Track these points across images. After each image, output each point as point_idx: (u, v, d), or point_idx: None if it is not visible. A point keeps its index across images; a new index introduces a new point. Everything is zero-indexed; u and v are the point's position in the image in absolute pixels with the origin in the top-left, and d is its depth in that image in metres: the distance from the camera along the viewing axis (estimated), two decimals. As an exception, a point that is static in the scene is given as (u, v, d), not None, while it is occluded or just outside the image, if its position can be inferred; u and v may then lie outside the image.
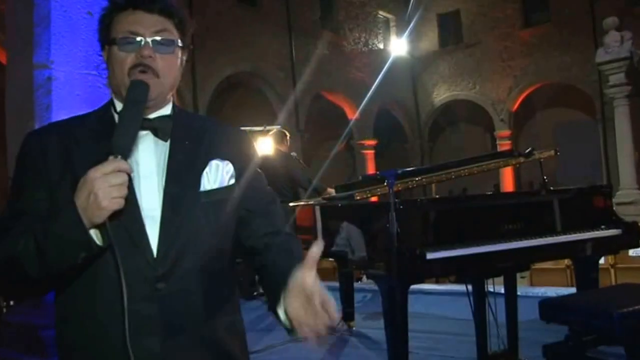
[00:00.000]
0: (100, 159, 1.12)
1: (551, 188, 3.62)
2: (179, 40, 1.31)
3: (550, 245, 3.22)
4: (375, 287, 3.29)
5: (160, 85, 1.27)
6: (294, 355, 4.23)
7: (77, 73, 3.53)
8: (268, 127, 8.18)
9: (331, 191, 5.56)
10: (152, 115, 1.30)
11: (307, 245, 4.15)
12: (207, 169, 1.30)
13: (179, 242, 1.23)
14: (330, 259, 6.65)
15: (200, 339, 1.25)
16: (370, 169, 18.27)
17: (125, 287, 1.11)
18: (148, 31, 1.26)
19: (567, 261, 6.97)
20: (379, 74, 16.68)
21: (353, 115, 17.83)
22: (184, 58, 1.36)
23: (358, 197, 3.56)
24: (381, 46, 19.87)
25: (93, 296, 1.21)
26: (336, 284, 5.21)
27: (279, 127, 8.29)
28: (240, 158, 1.36)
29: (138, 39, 1.25)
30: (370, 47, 19.31)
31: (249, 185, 1.36)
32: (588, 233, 3.37)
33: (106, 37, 1.30)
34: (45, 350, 3.25)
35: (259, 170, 1.43)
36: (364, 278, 7.41)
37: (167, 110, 1.34)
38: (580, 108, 18.35)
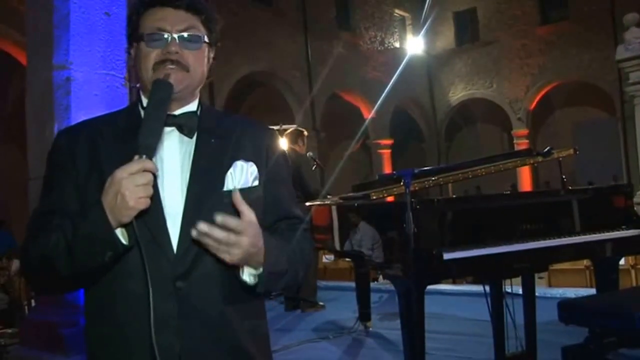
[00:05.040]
0: (127, 158, 1.13)
1: (570, 187, 3.58)
2: (206, 37, 1.32)
3: (569, 245, 3.18)
4: (392, 288, 3.28)
5: (187, 78, 1.28)
6: (310, 355, 4.23)
7: (95, 73, 3.57)
8: (284, 126, 8.19)
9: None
10: (178, 112, 1.30)
11: (324, 244, 4.12)
12: (231, 170, 1.29)
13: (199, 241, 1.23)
14: (347, 259, 6.65)
15: (220, 341, 1.25)
16: (387, 169, 18.21)
17: (151, 285, 1.13)
18: (175, 28, 1.28)
19: (586, 262, 6.89)
20: (395, 72, 16.61)
21: (369, 114, 17.79)
22: (211, 55, 1.37)
23: (374, 197, 3.56)
24: (397, 45, 19.80)
25: (115, 294, 1.23)
26: (352, 284, 5.20)
27: (295, 126, 8.30)
28: (265, 157, 1.36)
29: (165, 35, 1.27)
30: (386, 46, 19.24)
31: (270, 187, 1.36)
32: (608, 233, 3.32)
33: (134, 34, 1.31)
34: (66, 348, 3.29)
35: (284, 169, 1.43)
36: (381, 278, 7.39)
37: (193, 106, 1.34)
38: (599, 106, 18.11)
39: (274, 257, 1.22)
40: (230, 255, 1.15)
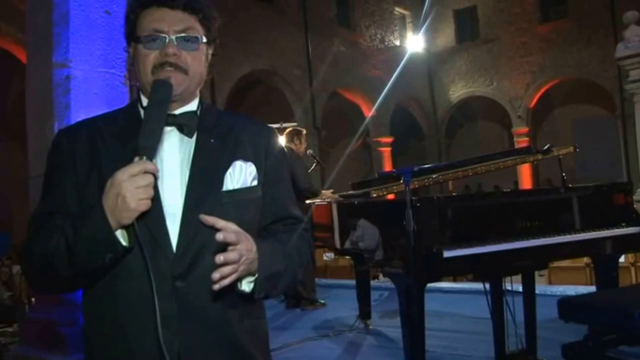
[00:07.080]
0: (126, 158, 1.13)
1: (570, 185, 3.58)
2: (204, 36, 1.31)
3: (569, 243, 3.18)
4: (392, 285, 3.28)
5: (186, 81, 1.28)
6: (310, 353, 4.23)
7: (95, 72, 3.55)
8: (285, 125, 8.19)
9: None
10: (178, 111, 1.30)
11: (324, 242, 4.12)
12: (230, 170, 1.29)
13: (198, 241, 1.23)
14: (347, 257, 6.65)
15: (219, 340, 1.25)
16: (387, 166, 18.19)
17: (155, 286, 1.12)
18: (172, 28, 1.26)
19: (586, 259, 6.89)
20: (395, 70, 16.58)
21: (369, 112, 17.77)
22: (210, 52, 1.36)
23: (374, 195, 3.56)
24: (397, 43, 19.77)
25: (115, 294, 1.23)
26: (353, 282, 5.20)
27: (295, 124, 8.29)
28: (264, 156, 1.36)
29: (162, 36, 1.26)
30: (386, 43, 19.22)
31: (269, 186, 1.36)
32: (608, 231, 3.32)
33: (131, 34, 1.31)
34: (66, 347, 3.29)
35: (283, 169, 1.43)
36: (381, 276, 7.39)
37: (193, 106, 1.33)
38: (599, 104, 18.10)
39: (268, 260, 1.22)
40: (247, 265, 1.15)
